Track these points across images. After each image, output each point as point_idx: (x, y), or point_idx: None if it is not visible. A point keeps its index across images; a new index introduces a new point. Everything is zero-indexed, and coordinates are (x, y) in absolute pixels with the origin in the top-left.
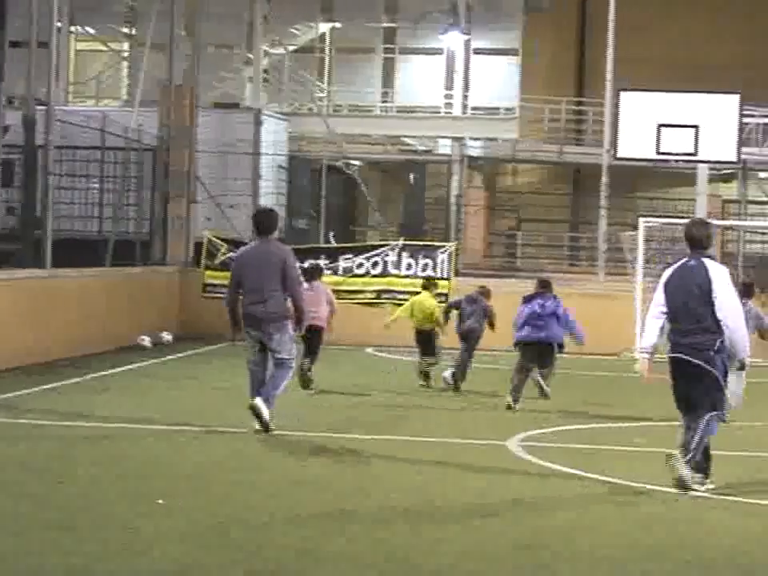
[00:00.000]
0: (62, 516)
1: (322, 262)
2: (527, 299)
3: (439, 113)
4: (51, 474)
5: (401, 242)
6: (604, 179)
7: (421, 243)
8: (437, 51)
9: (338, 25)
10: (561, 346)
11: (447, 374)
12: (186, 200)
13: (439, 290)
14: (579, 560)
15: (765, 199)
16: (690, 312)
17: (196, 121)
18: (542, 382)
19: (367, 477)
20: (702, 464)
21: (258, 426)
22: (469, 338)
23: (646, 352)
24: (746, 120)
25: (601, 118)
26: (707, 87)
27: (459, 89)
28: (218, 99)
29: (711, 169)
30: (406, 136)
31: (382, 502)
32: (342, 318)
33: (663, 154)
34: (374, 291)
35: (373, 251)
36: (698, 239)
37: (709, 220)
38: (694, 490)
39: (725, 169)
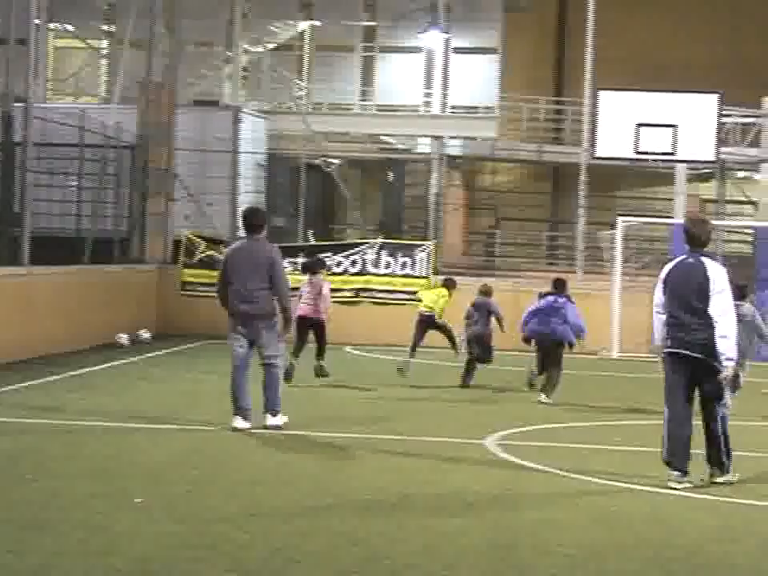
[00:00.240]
0: (31, 513)
1: (300, 261)
2: (541, 297)
3: (418, 111)
4: (23, 470)
5: (380, 241)
6: (582, 178)
7: (399, 242)
8: (416, 50)
9: (317, 23)
10: (571, 345)
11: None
12: (164, 198)
13: (416, 289)
14: (549, 557)
15: (743, 199)
16: (689, 308)
17: (175, 119)
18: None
19: (341, 474)
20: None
21: (235, 425)
22: (478, 343)
23: (662, 348)
24: (724, 120)
25: (580, 118)
26: (686, 87)
27: (438, 87)
28: (197, 97)
29: (690, 168)
30: (385, 134)
31: (355, 500)
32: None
33: (642, 153)
34: (353, 290)
35: (352, 249)
36: (697, 237)
37: (707, 218)
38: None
39: (703, 168)
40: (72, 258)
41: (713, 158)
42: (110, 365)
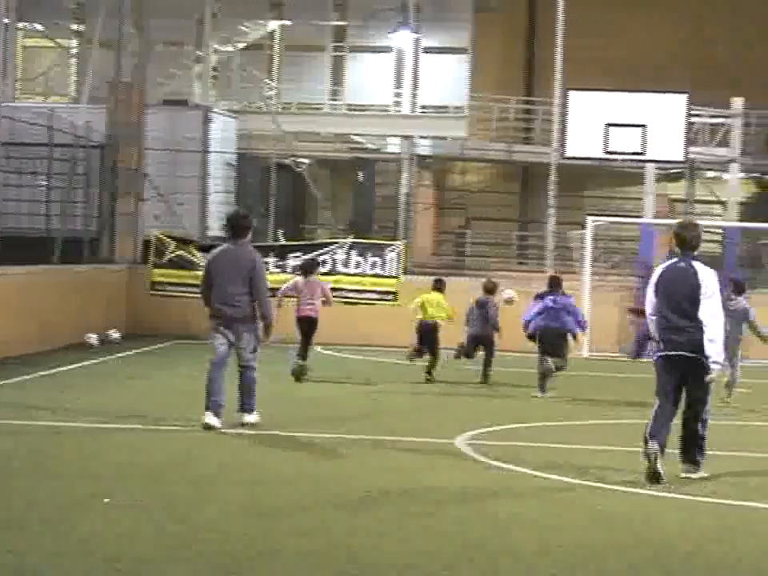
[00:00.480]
0: (4, 514)
1: (271, 260)
2: (539, 297)
3: (389, 111)
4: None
5: (349, 241)
6: (552, 178)
7: (369, 241)
8: (386, 50)
9: (287, 22)
10: (574, 336)
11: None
12: (134, 198)
13: (387, 289)
14: (520, 556)
15: (712, 199)
16: (680, 311)
17: (145, 118)
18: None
19: (308, 475)
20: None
21: (206, 421)
22: (480, 343)
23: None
24: (693, 120)
25: (550, 117)
26: (655, 87)
27: (409, 87)
28: (166, 96)
29: (659, 168)
30: (355, 134)
31: (323, 500)
32: (289, 316)
33: (611, 153)
34: None
35: (321, 249)
36: (687, 241)
37: (697, 221)
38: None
39: (672, 168)
40: (41, 257)
41: (682, 158)
42: (79, 365)
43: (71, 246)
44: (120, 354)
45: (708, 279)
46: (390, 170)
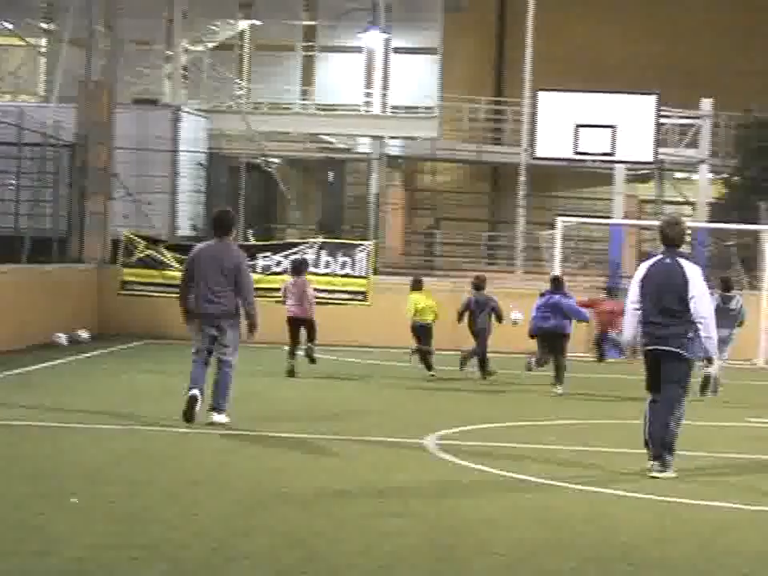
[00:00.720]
0: None
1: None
2: (542, 295)
3: (359, 111)
4: None
5: (319, 240)
6: (522, 178)
7: (339, 241)
8: (356, 50)
9: (257, 22)
10: (566, 336)
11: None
12: (103, 197)
13: (357, 289)
14: (486, 556)
15: (681, 199)
16: (666, 308)
17: (114, 117)
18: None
19: (281, 474)
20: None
21: (191, 393)
22: (479, 336)
23: (629, 345)
24: (662, 121)
25: (519, 118)
26: (625, 88)
27: (379, 87)
28: (136, 96)
29: (628, 169)
30: (325, 134)
31: (294, 500)
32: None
33: (581, 153)
34: None
35: (291, 249)
36: (671, 238)
37: (682, 219)
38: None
39: (642, 169)
40: (10, 257)
41: (651, 159)
42: (48, 364)
43: (40, 245)
44: (89, 354)
45: (694, 276)
46: (360, 169)
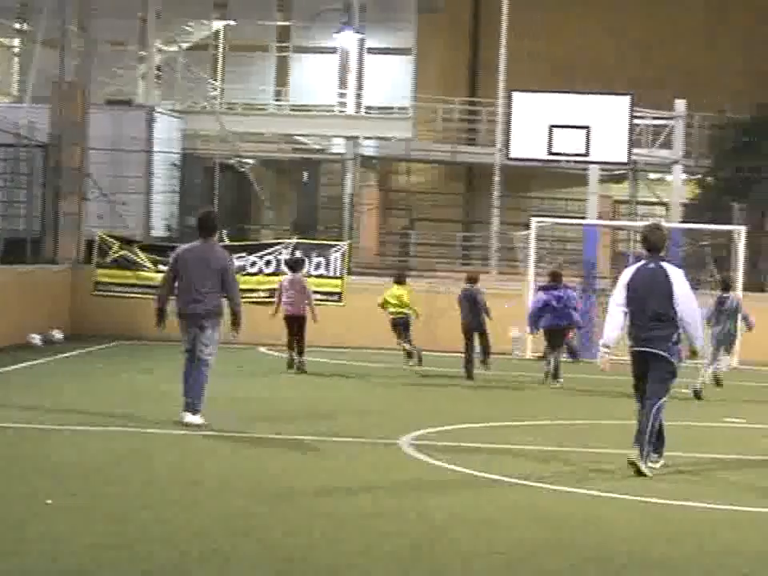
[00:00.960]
0: None
1: None
2: (542, 289)
3: (333, 111)
4: None
5: (294, 241)
6: (496, 179)
7: (314, 242)
8: (331, 50)
9: (231, 22)
10: (579, 327)
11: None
12: (77, 198)
13: (331, 289)
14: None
15: (655, 200)
16: (651, 311)
17: (88, 118)
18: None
19: (254, 474)
20: (656, 444)
21: (186, 421)
22: (467, 332)
23: (607, 347)
24: (636, 121)
25: (494, 118)
26: (599, 89)
27: (353, 88)
28: (110, 96)
29: (602, 169)
30: (299, 135)
31: (267, 501)
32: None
33: (555, 154)
34: (267, 290)
35: (266, 250)
36: (653, 243)
37: (663, 224)
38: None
39: (616, 169)
40: None
41: (625, 160)
42: (22, 365)
43: (13, 245)
44: (63, 355)
45: (678, 278)
46: (335, 170)
